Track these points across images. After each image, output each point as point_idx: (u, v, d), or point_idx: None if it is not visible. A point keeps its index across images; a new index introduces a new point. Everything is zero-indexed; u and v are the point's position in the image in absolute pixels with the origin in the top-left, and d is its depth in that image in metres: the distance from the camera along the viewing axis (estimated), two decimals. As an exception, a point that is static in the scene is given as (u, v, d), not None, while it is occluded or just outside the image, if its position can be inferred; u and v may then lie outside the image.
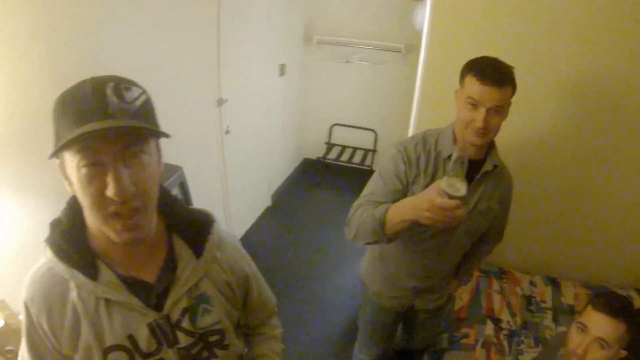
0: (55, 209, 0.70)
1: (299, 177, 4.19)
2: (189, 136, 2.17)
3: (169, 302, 0.68)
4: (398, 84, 3.64)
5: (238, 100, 2.63)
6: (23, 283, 0.65)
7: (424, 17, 1.84)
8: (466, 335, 1.78)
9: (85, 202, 0.59)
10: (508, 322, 1.87)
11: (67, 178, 0.60)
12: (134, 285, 0.66)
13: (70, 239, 0.64)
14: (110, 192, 0.55)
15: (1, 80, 1.13)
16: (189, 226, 0.74)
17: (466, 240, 1.34)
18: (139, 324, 0.66)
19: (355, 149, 4.14)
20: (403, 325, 1.77)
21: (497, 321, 1.87)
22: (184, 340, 0.70)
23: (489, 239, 1.45)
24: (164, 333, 0.68)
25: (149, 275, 0.68)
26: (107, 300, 0.64)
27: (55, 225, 0.67)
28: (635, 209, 1.93)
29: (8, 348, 0.97)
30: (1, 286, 1.17)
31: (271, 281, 0.96)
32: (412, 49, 3.44)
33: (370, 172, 1.45)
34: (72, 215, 0.66)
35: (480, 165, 1.22)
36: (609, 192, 1.93)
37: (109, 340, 0.64)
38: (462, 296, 2.00)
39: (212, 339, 0.74)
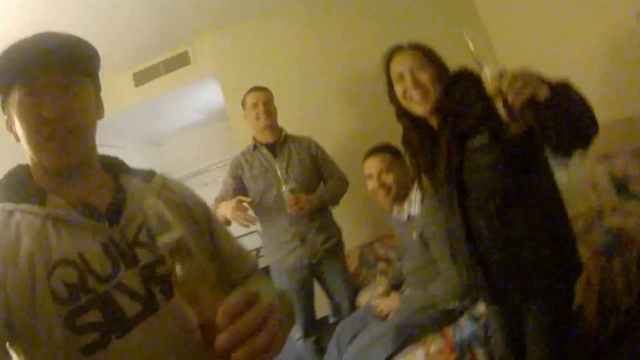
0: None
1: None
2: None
3: (125, 215, 0.65)
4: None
5: None
6: None
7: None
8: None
9: (25, 132, 0.61)
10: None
11: (11, 130, 0.65)
12: (84, 210, 0.63)
13: (14, 181, 0.65)
14: (45, 112, 0.59)
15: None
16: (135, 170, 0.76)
17: None
18: (92, 242, 0.61)
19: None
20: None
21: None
22: (144, 257, 0.63)
23: None
24: (120, 251, 0.62)
25: (101, 206, 0.65)
26: (55, 220, 0.60)
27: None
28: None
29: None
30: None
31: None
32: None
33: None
34: (14, 170, 0.68)
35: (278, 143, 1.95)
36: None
37: (56, 256, 0.58)
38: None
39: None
